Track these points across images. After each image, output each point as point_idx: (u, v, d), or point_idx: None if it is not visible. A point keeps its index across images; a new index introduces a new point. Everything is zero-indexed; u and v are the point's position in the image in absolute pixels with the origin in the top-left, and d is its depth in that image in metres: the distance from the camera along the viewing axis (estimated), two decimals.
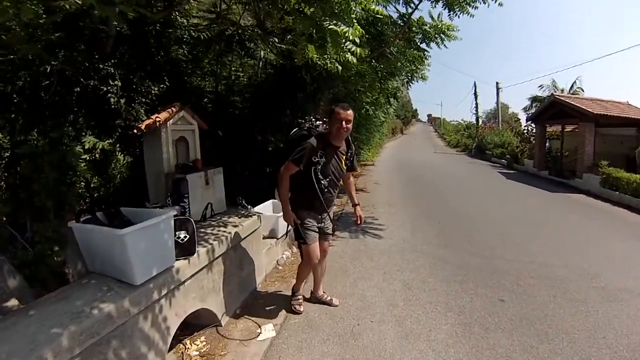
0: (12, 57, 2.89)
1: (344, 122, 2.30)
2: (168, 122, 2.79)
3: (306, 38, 2.36)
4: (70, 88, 3.17)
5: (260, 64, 5.86)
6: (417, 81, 6.70)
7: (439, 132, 40.46)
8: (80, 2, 2.07)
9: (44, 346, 1.23)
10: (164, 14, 3.54)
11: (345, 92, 6.65)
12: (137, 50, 3.58)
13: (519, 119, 27.39)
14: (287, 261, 3.68)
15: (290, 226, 2.66)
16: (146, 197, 2.95)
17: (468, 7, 3.81)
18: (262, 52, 5.44)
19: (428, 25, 4.33)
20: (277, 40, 4.33)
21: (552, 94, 13.03)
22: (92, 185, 3.24)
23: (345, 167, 2.52)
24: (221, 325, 2.41)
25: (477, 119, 25.39)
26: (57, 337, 1.28)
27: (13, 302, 2.02)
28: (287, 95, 5.19)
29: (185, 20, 4.43)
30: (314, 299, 2.82)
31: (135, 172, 3.35)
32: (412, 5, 4.19)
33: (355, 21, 2.17)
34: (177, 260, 1.95)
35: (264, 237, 3.49)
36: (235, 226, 2.74)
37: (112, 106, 3.28)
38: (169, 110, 2.81)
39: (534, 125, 12.94)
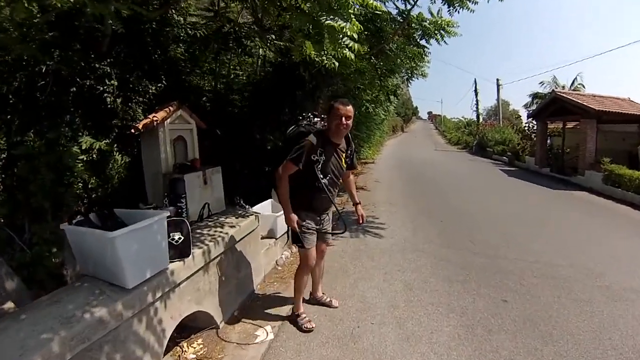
0: (7, 57, 2.86)
1: (343, 118, 2.19)
2: (166, 122, 2.75)
3: (303, 34, 2.32)
4: (66, 88, 3.14)
5: (259, 61, 5.83)
6: (417, 78, 6.68)
7: (440, 130, 40.33)
8: (72, 0, 2.03)
9: (33, 352, 1.22)
10: (160, 12, 3.50)
11: (344, 89, 6.61)
12: (133, 49, 3.54)
13: (520, 116, 27.40)
14: (287, 261, 3.64)
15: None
16: (144, 198, 2.91)
17: (468, 2, 3.75)
18: (260, 50, 5.40)
19: (427, 21, 4.27)
20: (274, 37, 4.29)
21: (553, 90, 12.88)
22: (89, 186, 3.22)
23: (345, 165, 2.44)
24: (219, 328, 2.37)
25: (477, 116, 25.30)
26: (47, 343, 1.26)
27: (9, 305, 2.00)
28: (285, 94, 5.16)
29: (182, 19, 4.40)
30: (313, 300, 2.77)
31: (134, 172, 3.33)
32: (411, 1, 4.14)
33: (353, 17, 2.12)
34: (171, 262, 1.91)
35: (263, 237, 3.45)
36: (232, 227, 2.70)
37: (109, 106, 3.25)
38: (167, 109, 2.77)
39: (535, 122, 12.88)
